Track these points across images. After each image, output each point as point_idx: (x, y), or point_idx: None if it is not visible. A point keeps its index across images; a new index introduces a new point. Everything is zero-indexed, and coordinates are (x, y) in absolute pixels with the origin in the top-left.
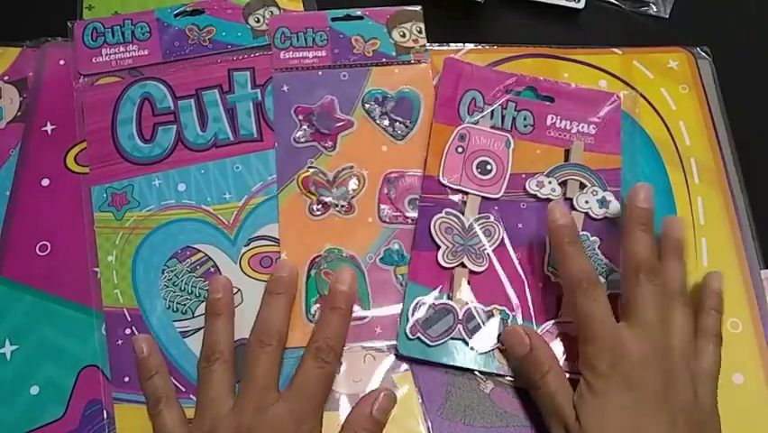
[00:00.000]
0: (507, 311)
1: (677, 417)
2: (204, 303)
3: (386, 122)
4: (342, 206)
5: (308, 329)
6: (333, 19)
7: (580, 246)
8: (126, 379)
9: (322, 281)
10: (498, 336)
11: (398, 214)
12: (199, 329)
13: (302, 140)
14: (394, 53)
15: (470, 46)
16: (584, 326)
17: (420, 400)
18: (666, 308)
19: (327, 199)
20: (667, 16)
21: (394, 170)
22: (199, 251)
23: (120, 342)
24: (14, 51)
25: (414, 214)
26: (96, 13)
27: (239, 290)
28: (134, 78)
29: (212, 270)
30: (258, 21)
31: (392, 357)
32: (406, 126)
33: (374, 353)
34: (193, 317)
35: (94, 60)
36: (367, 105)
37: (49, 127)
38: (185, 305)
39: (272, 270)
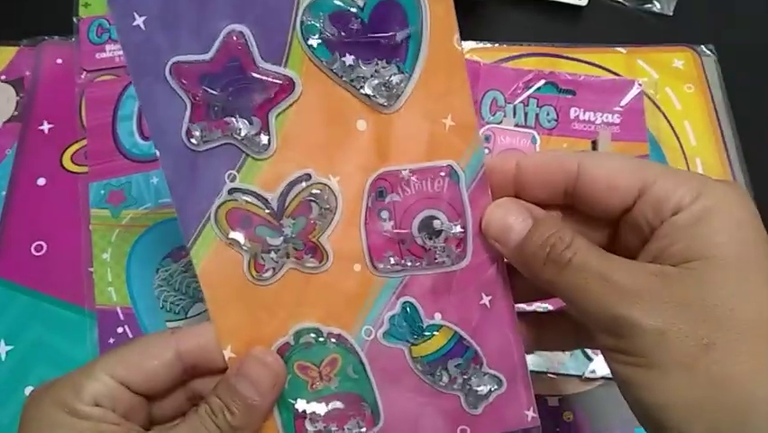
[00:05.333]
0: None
1: None
2: (197, 303)
3: (357, 69)
4: (306, 251)
5: None
6: None
7: None
8: None
9: (299, 382)
10: None
11: (406, 249)
12: None
13: (202, 138)
14: None
15: (471, 44)
16: None
17: None
18: None
19: (277, 243)
20: (671, 14)
21: (387, 169)
22: None
23: (112, 340)
24: (11, 50)
25: (434, 243)
26: (93, 10)
27: None
28: None
29: None
30: None
31: None
32: (399, 71)
33: None
34: (186, 318)
35: (97, 56)
36: (312, 40)
37: (45, 126)
38: (178, 305)
39: None
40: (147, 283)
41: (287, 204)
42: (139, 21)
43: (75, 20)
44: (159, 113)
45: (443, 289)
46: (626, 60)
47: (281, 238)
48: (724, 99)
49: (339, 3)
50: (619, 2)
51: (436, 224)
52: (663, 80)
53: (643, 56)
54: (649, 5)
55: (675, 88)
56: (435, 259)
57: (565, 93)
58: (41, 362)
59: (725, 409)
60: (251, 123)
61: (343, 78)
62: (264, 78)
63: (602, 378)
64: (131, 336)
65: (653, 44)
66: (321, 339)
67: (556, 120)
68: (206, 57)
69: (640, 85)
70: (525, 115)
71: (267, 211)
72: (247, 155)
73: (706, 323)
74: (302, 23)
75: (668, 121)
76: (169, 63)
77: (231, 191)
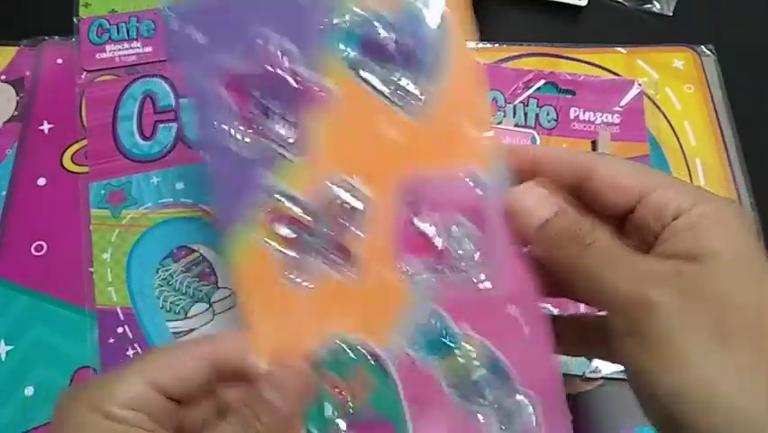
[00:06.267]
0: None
1: None
2: (197, 303)
3: (387, 79)
4: (338, 256)
5: None
6: None
7: None
8: None
9: (329, 398)
10: None
11: (435, 258)
12: (192, 330)
13: (243, 139)
14: None
15: (470, 44)
16: None
17: None
18: None
19: (310, 247)
20: (671, 14)
21: (417, 175)
22: (194, 251)
23: (111, 340)
24: (11, 50)
25: (462, 251)
26: (93, 10)
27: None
28: (133, 78)
29: (207, 270)
30: None
31: None
32: (425, 80)
33: None
34: (186, 318)
35: (97, 57)
36: (348, 51)
37: (45, 126)
38: (178, 305)
39: None
40: (147, 283)
41: (321, 207)
42: (191, 29)
43: (75, 20)
44: (205, 114)
45: (473, 300)
46: (625, 60)
47: (314, 242)
48: (724, 99)
49: (369, 14)
50: (619, 2)
51: (462, 231)
52: (663, 80)
53: (643, 56)
54: (649, 5)
55: (675, 88)
56: (464, 269)
57: (565, 93)
58: (41, 362)
59: (741, 397)
60: (289, 127)
61: (375, 87)
62: (302, 85)
63: (603, 378)
64: (131, 336)
65: (653, 44)
66: (350, 349)
67: (556, 120)
68: (248, 63)
69: (640, 85)
70: (525, 115)
71: (301, 214)
72: (284, 158)
73: (722, 312)
74: (336, 33)
75: (668, 121)
76: (215, 67)
77: (268, 193)
